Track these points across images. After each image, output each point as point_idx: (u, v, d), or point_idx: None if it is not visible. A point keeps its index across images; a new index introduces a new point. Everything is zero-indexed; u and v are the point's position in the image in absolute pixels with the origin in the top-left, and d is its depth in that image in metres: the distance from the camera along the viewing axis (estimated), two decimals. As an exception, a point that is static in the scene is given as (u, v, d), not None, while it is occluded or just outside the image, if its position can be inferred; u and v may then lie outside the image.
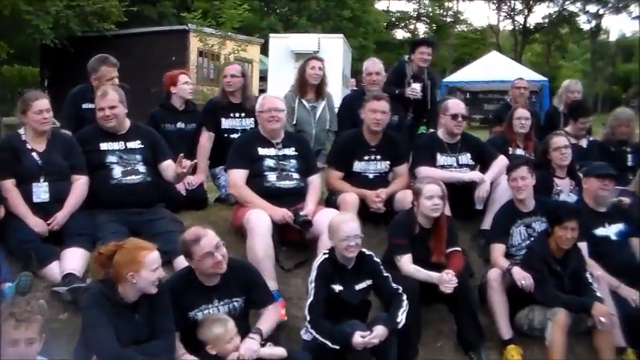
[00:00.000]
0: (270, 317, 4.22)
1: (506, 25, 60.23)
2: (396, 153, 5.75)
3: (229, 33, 19.03)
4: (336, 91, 14.46)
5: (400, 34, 52.50)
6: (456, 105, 5.84)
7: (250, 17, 31.73)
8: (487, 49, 52.18)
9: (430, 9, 51.93)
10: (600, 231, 5.27)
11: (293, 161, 5.33)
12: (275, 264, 4.89)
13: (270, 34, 19.39)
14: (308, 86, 6.49)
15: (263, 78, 20.94)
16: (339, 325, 4.14)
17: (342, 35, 18.98)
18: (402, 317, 4.22)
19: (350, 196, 5.36)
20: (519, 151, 6.33)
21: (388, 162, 5.72)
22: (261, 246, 4.73)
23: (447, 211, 5.20)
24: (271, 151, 5.31)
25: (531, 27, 57.39)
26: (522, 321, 4.80)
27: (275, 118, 5.27)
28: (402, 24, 50.75)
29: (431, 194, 4.70)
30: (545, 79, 26.28)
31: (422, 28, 53.78)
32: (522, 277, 4.65)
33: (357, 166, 5.65)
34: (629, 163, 6.70)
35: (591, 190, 5.35)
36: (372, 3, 38.85)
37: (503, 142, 6.40)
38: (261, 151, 5.30)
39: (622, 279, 5.07)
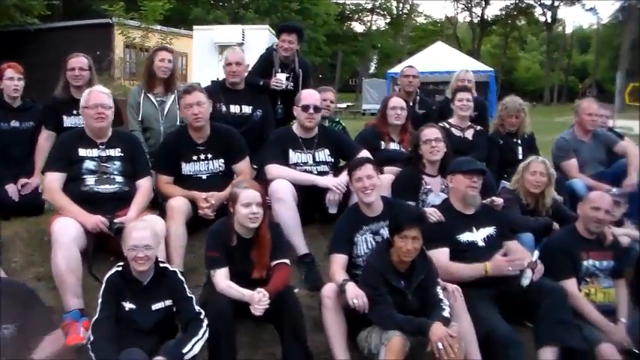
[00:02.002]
0: (49, 346, 3.64)
1: (465, 17, 60.31)
2: (229, 149, 5.12)
3: (158, 26, 18.27)
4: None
5: (357, 26, 52.00)
6: (309, 95, 5.21)
7: (196, 10, 31.14)
8: (445, 41, 52.17)
9: (384, 0, 51.37)
10: (466, 236, 4.60)
11: (117, 163, 4.77)
12: (90, 276, 4.40)
13: (194, 26, 18.48)
14: (156, 79, 5.81)
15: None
16: (123, 353, 3.55)
17: (267, 26, 18.16)
18: (192, 347, 3.64)
19: (177, 201, 4.75)
20: (393, 146, 5.68)
21: (222, 160, 5.09)
22: (61, 259, 4.23)
23: (292, 217, 4.68)
24: (93, 152, 4.75)
25: (489, 19, 57.47)
26: (363, 343, 4.07)
27: (102, 116, 4.69)
28: (356, 16, 49.99)
29: (248, 201, 4.03)
30: (491, 69, 26.00)
31: (378, 21, 53.38)
32: (355, 296, 3.93)
33: (187, 168, 5.03)
34: (520, 156, 6.12)
35: (458, 189, 4.68)
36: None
37: (374, 135, 5.73)
38: (82, 152, 4.73)
39: (491, 290, 4.44)
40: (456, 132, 6.08)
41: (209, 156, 5.05)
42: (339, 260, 4.32)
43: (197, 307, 3.83)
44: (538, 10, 56.22)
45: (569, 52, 58.86)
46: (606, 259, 4.79)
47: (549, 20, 54.24)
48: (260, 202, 4.07)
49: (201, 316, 3.78)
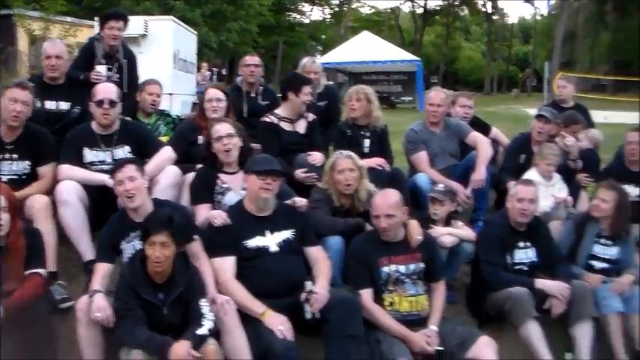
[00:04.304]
0: None
1: (409, 7, 60.27)
2: (39, 151, 4.74)
3: (68, 18, 17.62)
4: (166, 75, 13.71)
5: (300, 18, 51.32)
6: (104, 89, 4.85)
7: (124, 2, 30.23)
8: (388, 31, 52.06)
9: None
10: (256, 241, 4.20)
11: None
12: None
13: (95, 17, 17.91)
14: None
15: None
16: None
17: (171, 17, 17.57)
18: None
19: None
20: (214, 141, 5.27)
21: (28, 162, 4.71)
22: None
23: (77, 220, 4.40)
24: None
25: (431, 9, 57.55)
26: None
27: None
28: (293, 6, 49.24)
29: None
30: (418, 59, 25.88)
31: (317, 12, 52.94)
32: (97, 308, 3.59)
33: None
34: (366, 150, 5.74)
35: (251, 190, 4.29)
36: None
37: (192, 129, 5.32)
38: None
39: (281, 301, 4.04)
40: (286, 126, 5.62)
41: (14, 156, 4.69)
42: (99, 269, 3.94)
43: None
44: (480, 1, 56.60)
45: (510, 42, 59.36)
46: (414, 262, 4.41)
47: (489, 11, 54.59)
48: (4, 207, 3.70)
49: None
